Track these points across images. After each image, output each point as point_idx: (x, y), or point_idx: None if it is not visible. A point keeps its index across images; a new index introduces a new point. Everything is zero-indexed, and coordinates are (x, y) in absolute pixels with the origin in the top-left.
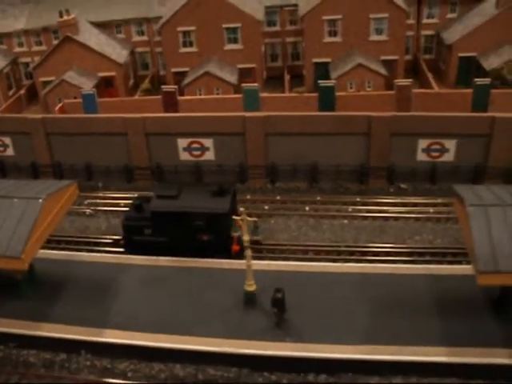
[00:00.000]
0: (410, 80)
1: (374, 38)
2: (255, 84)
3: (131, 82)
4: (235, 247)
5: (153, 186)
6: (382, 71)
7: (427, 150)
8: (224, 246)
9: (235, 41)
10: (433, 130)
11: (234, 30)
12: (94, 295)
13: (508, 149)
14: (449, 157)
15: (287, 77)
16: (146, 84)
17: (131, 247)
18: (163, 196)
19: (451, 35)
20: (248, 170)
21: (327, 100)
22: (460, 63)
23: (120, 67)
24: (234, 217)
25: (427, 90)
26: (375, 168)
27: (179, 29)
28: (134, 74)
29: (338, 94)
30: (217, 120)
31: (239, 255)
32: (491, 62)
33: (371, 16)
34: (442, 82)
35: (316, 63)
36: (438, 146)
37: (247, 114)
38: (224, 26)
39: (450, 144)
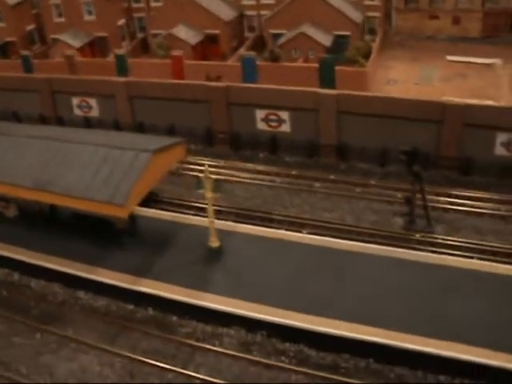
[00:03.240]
0: (73, 51)
1: (86, 18)
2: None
3: None
4: None
5: None
6: (76, 44)
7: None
8: None
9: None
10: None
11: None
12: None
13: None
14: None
15: None
16: None
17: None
18: None
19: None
20: None
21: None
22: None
23: None
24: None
25: (91, 59)
26: None
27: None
28: None
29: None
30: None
31: None
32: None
33: (81, 0)
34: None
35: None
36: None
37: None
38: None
39: (93, 102)
